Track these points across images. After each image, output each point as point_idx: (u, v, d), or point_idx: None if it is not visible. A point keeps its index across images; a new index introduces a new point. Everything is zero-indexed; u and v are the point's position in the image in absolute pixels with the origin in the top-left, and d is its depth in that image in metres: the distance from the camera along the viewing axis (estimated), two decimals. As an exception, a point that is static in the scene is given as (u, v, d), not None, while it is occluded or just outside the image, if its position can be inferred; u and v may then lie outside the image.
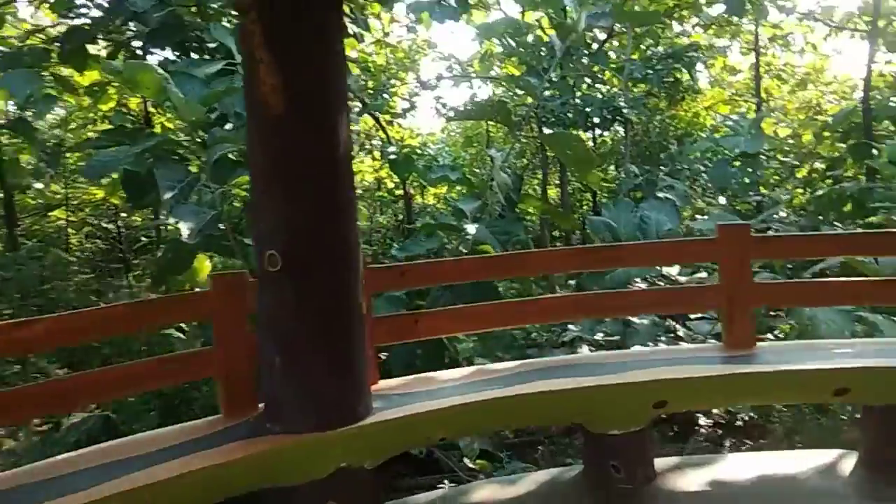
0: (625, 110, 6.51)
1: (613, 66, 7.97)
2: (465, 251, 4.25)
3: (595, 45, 7.07)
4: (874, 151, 7.24)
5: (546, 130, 6.29)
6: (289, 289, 2.10)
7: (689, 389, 2.39)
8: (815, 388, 2.43)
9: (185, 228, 3.50)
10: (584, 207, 13.19)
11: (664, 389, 2.37)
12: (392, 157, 6.18)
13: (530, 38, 5.89)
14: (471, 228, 3.80)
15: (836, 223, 5.54)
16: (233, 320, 2.24)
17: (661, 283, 4.79)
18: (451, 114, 3.54)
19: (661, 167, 6.66)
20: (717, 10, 10.07)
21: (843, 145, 8.79)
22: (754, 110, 11.29)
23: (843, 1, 15.63)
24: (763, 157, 5.65)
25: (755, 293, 2.74)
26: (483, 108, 3.54)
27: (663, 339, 4.88)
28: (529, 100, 5.98)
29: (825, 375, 2.36)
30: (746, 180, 4.81)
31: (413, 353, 3.44)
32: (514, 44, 5.41)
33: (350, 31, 6.41)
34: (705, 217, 4.60)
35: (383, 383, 2.51)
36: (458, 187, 5.14)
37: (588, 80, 7.69)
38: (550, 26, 5.03)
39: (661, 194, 5.13)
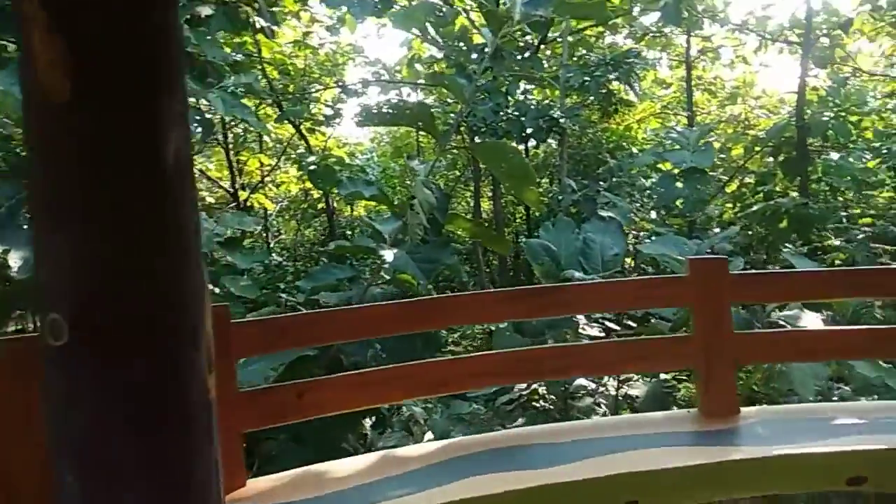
0: (561, 120, 6.02)
1: (548, 73, 7.50)
2: (380, 284, 3.61)
3: (527, 51, 6.57)
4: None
5: (478, 140, 5.77)
6: (84, 373, 1.38)
7: (662, 485, 1.81)
8: (823, 476, 1.90)
9: (14, 260, 2.72)
10: (518, 221, 12.77)
11: (629, 486, 1.77)
12: (312, 167, 5.49)
13: (457, 27, 5.32)
14: (388, 255, 3.14)
15: (784, 244, 5.19)
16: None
17: (610, 325, 4.27)
18: (363, 118, 2.94)
19: (601, 182, 6.21)
20: (650, 19, 9.88)
21: (772, 160, 8.64)
22: (685, 124, 11.14)
23: (775, 14, 15.84)
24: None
25: (738, 347, 2.19)
26: (402, 111, 2.92)
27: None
28: (460, 107, 5.42)
29: (836, 461, 1.83)
30: (693, 197, 4.37)
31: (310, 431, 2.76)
32: (437, 36, 4.82)
33: (258, 25, 5.70)
34: (652, 239, 4.13)
35: (255, 485, 1.82)
36: (378, 204, 4.51)
37: (522, 86, 7.18)
38: (480, 12, 4.48)
39: (603, 212, 4.64)
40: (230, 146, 10.54)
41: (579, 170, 8.27)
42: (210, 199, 14.19)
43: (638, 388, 5.52)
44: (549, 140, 9.31)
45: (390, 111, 2.97)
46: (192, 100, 4.08)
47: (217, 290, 4.18)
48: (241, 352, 1.85)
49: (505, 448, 1.98)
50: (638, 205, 5.78)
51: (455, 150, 12.20)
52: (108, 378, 1.36)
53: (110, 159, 1.35)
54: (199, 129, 3.75)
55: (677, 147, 4.65)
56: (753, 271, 3.79)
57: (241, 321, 1.98)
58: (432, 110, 8.12)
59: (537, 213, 6.31)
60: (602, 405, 4.89)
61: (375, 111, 2.94)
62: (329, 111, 9.74)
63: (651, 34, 9.89)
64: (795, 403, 2.84)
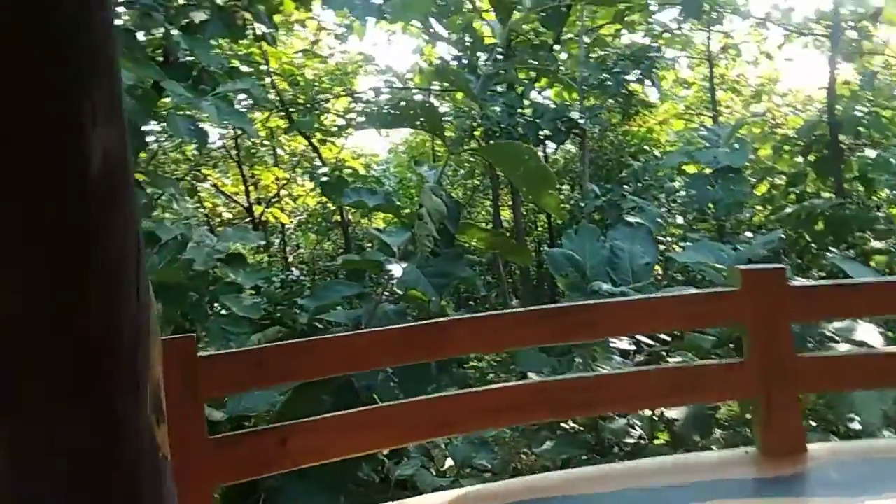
0: (581, 121, 5.70)
1: (565, 73, 7.18)
2: (393, 300, 3.33)
3: (541, 50, 6.25)
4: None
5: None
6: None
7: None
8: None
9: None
10: (539, 229, 12.43)
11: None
12: (324, 179, 5.25)
13: (462, 18, 5.03)
14: (396, 269, 2.85)
15: (827, 248, 4.82)
16: None
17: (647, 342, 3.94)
18: (366, 120, 2.67)
19: (625, 186, 5.87)
20: (668, 15, 9.53)
21: (803, 159, 8.24)
22: (710, 124, 10.75)
23: (798, 5, 15.37)
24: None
25: (804, 373, 1.86)
26: (405, 111, 2.63)
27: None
28: (472, 110, 5.14)
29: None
30: (727, 199, 4.02)
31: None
32: (441, 28, 4.55)
33: (258, 32, 5.47)
34: (687, 246, 3.78)
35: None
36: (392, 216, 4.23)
37: (537, 87, 6.88)
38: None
39: (629, 218, 4.31)
40: (241, 160, 10.35)
41: (601, 174, 7.93)
42: (227, 215, 14.05)
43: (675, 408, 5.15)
44: (568, 143, 9.01)
45: (392, 111, 2.69)
46: (186, 109, 3.84)
47: (221, 311, 3.92)
48: (211, 390, 1.57)
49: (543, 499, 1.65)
50: (665, 209, 5.42)
51: (472, 158, 11.94)
52: (27, 452, 1.09)
53: (11, 169, 1.08)
54: (195, 140, 3.49)
55: (707, 146, 4.31)
56: (817, 282, 3.43)
57: (210, 354, 1.71)
58: (446, 117, 7.85)
59: (559, 221, 5.97)
60: (636, 426, 4.55)
61: (377, 113, 2.67)
62: (341, 121, 9.52)
63: (670, 32, 9.56)
64: (858, 429, 2.50)
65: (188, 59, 4.23)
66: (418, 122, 2.76)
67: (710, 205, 4.02)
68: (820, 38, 8.79)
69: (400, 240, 3.13)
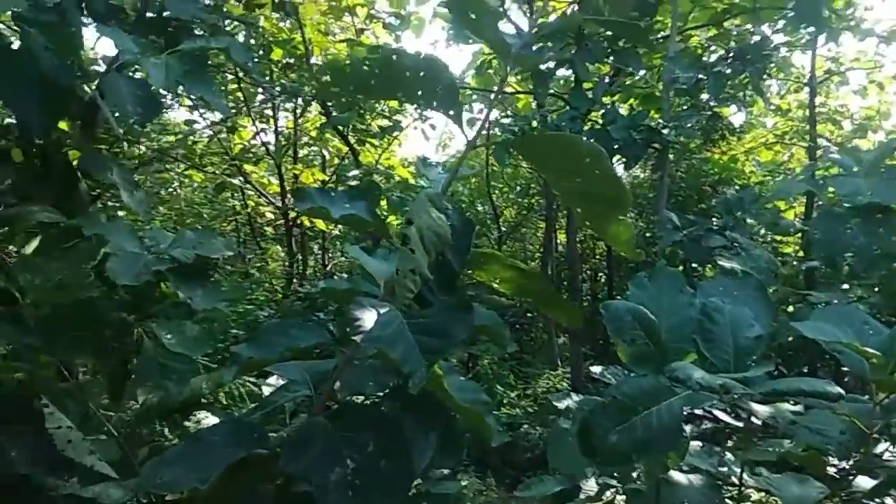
0: (664, 131, 4.53)
1: (646, 84, 6.04)
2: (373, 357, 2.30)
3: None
4: None
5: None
6: None
7: None
8: None
9: None
10: (597, 259, 11.20)
11: None
12: (352, 183, 4.27)
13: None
14: (366, 318, 1.79)
15: None
16: None
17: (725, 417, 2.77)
18: (330, 80, 1.78)
19: (713, 217, 4.66)
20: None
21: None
22: (806, 158, 9.37)
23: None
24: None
25: None
26: (393, 72, 1.62)
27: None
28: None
29: None
30: (875, 248, 2.79)
31: None
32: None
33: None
34: (806, 309, 2.59)
35: None
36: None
37: (611, 99, 5.74)
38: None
39: (724, 262, 3.18)
40: (278, 157, 9.55)
41: (676, 203, 6.70)
42: (269, 215, 13.33)
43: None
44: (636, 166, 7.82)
45: (371, 69, 1.66)
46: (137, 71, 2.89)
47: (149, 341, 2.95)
48: None
49: None
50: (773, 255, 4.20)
51: (530, 171, 10.79)
52: None
53: None
54: (139, 108, 2.53)
55: (842, 172, 3.11)
56: None
57: None
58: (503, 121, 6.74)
59: (628, 261, 4.82)
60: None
61: (348, 71, 1.65)
62: (386, 122, 8.61)
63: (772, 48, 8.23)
64: None
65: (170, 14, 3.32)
66: (419, 94, 1.72)
67: (848, 254, 2.85)
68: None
69: (385, 271, 2.09)
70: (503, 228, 11.82)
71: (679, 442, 2.29)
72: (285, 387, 2.57)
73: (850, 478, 3.08)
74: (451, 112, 1.82)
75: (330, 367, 2.38)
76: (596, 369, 4.64)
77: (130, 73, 2.80)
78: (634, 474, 2.58)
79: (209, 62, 3.62)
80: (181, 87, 2.55)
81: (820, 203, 6.79)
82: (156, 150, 9.33)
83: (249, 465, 2.12)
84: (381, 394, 2.52)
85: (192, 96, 8.20)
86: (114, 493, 2.34)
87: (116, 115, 3.14)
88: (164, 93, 8.41)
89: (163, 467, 2.09)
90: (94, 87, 3.11)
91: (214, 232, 2.98)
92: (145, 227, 3.24)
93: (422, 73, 1.72)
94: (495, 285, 2.06)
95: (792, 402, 2.60)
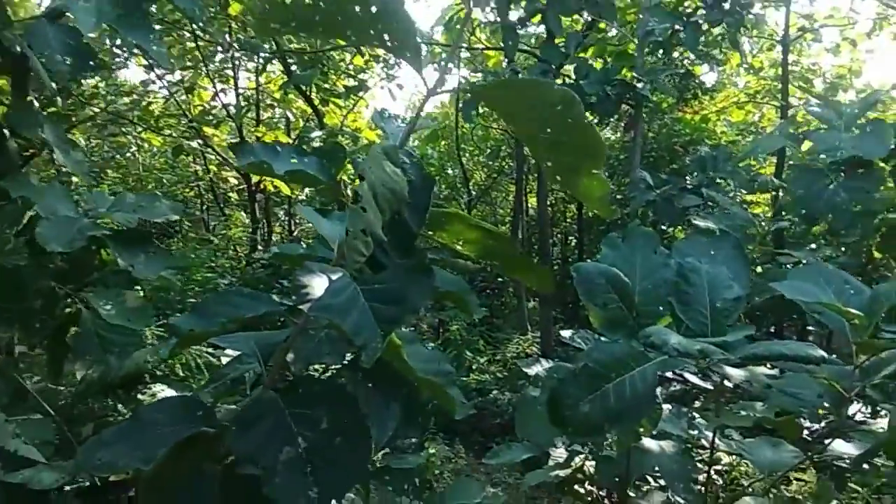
0: (639, 85, 4.35)
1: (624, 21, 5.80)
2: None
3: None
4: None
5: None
6: None
7: None
8: None
9: None
10: (568, 222, 11.10)
11: None
12: (316, 145, 4.02)
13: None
14: (315, 284, 1.61)
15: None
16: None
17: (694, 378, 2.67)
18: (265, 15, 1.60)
19: (685, 177, 4.51)
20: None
21: None
22: (777, 117, 9.30)
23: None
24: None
25: None
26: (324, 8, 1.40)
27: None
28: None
29: None
30: (852, 204, 2.66)
31: None
32: None
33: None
34: (790, 268, 2.43)
35: None
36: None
37: (583, 55, 5.53)
38: None
39: (699, 222, 3.04)
40: (240, 119, 9.18)
41: (648, 164, 6.57)
42: (233, 180, 12.92)
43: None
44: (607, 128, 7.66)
45: (315, 2, 1.44)
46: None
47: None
48: None
49: None
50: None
51: (502, 132, 10.55)
52: None
53: None
54: (69, 59, 2.28)
55: (822, 127, 2.96)
56: None
57: None
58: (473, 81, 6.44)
59: (601, 220, 4.63)
60: (678, 504, 3.28)
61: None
62: (352, 82, 8.27)
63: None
64: None
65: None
66: (371, 33, 1.51)
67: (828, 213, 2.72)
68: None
69: (338, 232, 1.90)
70: (473, 192, 11.63)
71: (652, 409, 2.17)
72: (238, 359, 2.39)
73: (824, 441, 3.02)
74: (408, 54, 1.63)
75: (282, 339, 2.20)
76: (566, 333, 4.52)
77: (64, 23, 2.52)
78: (606, 442, 2.46)
79: (156, 14, 3.34)
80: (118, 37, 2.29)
81: (791, 163, 6.72)
82: (110, 112, 8.91)
83: (196, 445, 1.95)
84: (339, 366, 2.36)
85: (138, 51, 7.79)
86: (45, 478, 2.15)
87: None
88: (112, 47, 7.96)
89: (101, 447, 1.90)
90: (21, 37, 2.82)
91: (158, 195, 2.75)
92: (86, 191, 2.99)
93: (373, 9, 1.52)
94: (459, 248, 1.88)
95: (767, 365, 2.50)
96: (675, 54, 6.87)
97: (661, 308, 2.28)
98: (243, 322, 2.15)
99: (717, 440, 3.09)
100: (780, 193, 4.03)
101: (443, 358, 2.25)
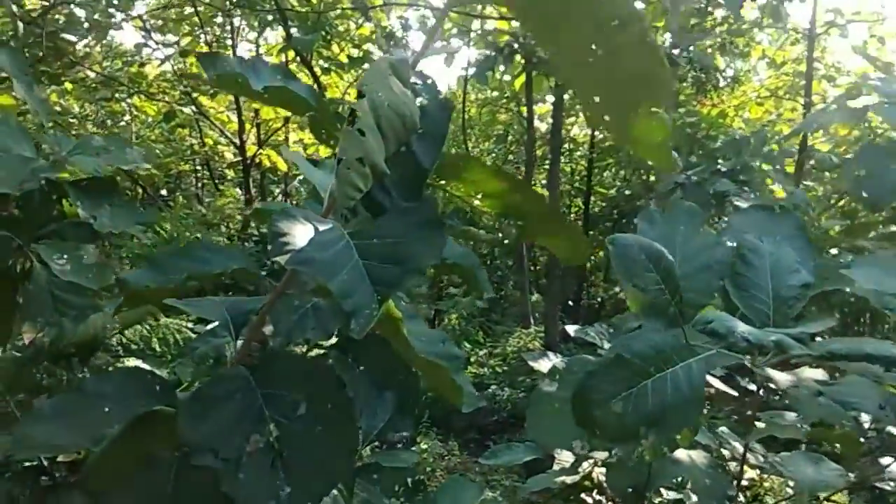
0: (675, 52, 3.97)
1: None
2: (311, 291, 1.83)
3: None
4: None
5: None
6: None
7: None
8: None
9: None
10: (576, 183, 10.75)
11: None
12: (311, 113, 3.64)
13: None
14: (299, 234, 1.24)
15: None
16: None
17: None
18: None
19: (719, 160, 4.12)
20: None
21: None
22: (796, 114, 8.96)
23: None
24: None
25: None
26: None
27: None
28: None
29: None
30: None
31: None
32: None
33: None
34: (850, 261, 2.11)
35: None
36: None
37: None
38: None
39: (740, 202, 2.70)
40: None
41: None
42: (229, 156, 12.53)
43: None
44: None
45: None
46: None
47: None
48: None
49: None
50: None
51: (507, 113, 10.14)
52: None
53: None
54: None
55: (883, 101, 2.62)
56: None
57: None
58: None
59: (652, 180, 4.14)
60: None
61: None
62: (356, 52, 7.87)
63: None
64: None
65: None
66: None
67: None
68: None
69: (326, 177, 1.55)
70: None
71: (698, 413, 1.84)
72: (212, 331, 2.04)
73: (873, 459, 2.68)
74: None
75: (258, 306, 1.85)
76: (572, 328, 4.13)
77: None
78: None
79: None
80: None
81: (813, 159, 6.37)
82: (102, 74, 8.52)
83: (150, 426, 1.60)
84: (326, 343, 2.01)
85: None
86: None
87: None
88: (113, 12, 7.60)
89: (41, 422, 1.56)
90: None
91: (125, 140, 2.38)
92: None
93: None
94: (477, 202, 1.52)
95: (814, 367, 2.16)
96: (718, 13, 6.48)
97: (705, 297, 1.93)
98: (211, 279, 1.80)
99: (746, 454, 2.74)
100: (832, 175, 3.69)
101: (448, 339, 1.89)
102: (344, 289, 1.22)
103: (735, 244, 1.91)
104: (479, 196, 1.52)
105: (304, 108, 1.43)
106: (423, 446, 4.83)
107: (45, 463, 2.12)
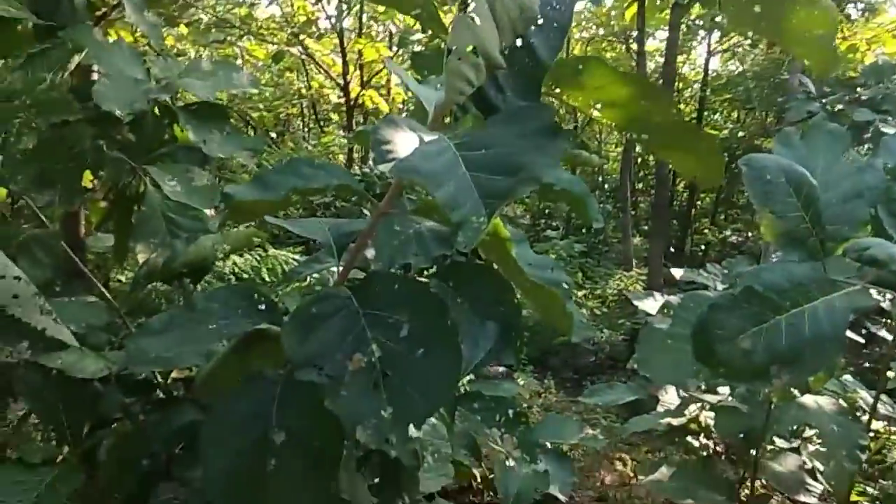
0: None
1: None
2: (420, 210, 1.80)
3: None
4: None
5: None
6: None
7: None
8: None
9: None
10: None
11: None
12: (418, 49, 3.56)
13: None
14: (402, 142, 1.16)
15: None
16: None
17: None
18: None
19: (857, 89, 3.70)
20: None
21: None
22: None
23: None
24: None
25: None
26: None
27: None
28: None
29: None
30: None
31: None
32: None
33: None
34: None
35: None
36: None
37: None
38: None
39: (887, 129, 2.40)
40: (340, 29, 8.79)
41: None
42: (333, 98, 12.70)
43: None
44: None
45: None
46: None
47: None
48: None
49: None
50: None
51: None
52: None
53: None
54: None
55: None
56: None
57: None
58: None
59: (811, 76, 3.64)
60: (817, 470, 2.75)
61: None
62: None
63: None
64: None
65: None
66: None
67: None
68: None
69: (433, 93, 1.44)
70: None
71: (839, 354, 1.65)
72: (315, 258, 2.03)
73: None
74: None
75: (360, 227, 1.80)
76: (677, 272, 3.90)
77: None
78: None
79: None
80: None
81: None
82: (215, 16, 8.72)
83: (258, 343, 1.61)
84: (429, 268, 1.93)
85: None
86: (90, 365, 1.87)
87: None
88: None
89: (149, 337, 1.58)
90: None
91: (236, 65, 2.36)
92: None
93: None
94: (596, 113, 1.38)
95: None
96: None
97: (852, 227, 1.71)
98: (313, 194, 1.74)
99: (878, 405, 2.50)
100: None
101: (557, 265, 1.77)
102: (451, 199, 1.12)
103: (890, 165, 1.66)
104: (599, 106, 1.37)
105: (408, 4, 1.33)
106: (521, 382, 4.80)
107: (159, 378, 2.20)
